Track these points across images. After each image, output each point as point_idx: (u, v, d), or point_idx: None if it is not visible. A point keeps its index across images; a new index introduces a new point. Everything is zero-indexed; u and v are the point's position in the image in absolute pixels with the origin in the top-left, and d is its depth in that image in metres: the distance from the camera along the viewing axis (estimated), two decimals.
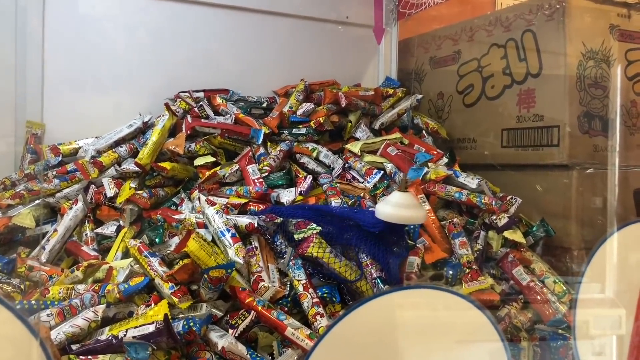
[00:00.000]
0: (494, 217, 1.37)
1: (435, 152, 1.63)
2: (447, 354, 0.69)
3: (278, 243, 1.17)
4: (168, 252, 1.17)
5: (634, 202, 1.45)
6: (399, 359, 0.66)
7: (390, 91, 1.86)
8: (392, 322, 0.67)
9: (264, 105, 1.76)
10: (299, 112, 1.67)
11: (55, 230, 1.33)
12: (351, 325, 0.63)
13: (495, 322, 0.73)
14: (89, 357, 0.91)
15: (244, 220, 1.14)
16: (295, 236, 1.14)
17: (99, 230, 1.37)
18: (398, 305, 0.65)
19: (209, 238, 1.15)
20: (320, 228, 1.14)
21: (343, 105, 1.69)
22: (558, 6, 1.45)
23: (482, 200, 1.38)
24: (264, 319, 1.02)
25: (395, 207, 1.04)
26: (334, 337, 0.64)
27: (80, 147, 1.53)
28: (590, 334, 1.01)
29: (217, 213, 1.15)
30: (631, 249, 1.06)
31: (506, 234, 1.36)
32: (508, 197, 1.43)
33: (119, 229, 1.37)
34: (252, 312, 1.03)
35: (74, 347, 0.96)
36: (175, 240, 1.21)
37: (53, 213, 1.43)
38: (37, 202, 1.41)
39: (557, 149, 1.47)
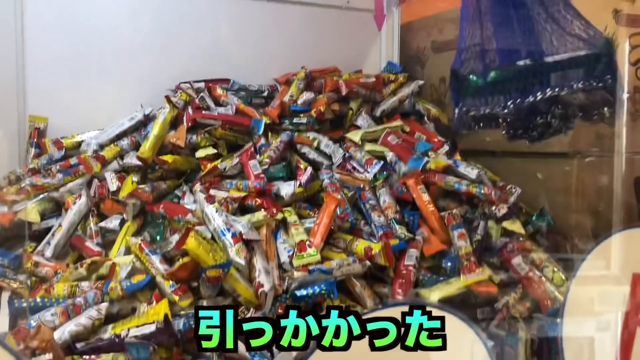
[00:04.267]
0: (493, 207, 1.38)
1: (436, 140, 1.63)
2: None
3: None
4: (169, 248, 1.19)
5: (634, 190, 1.45)
6: None
7: (392, 77, 1.85)
8: None
9: (265, 94, 1.76)
10: (300, 101, 1.67)
11: (60, 225, 1.36)
12: None
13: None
14: (92, 356, 0.94)
15: (237, 228, 1.15)
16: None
17: (102, 224, 1.39)
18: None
19: (209, 235, 1.17)
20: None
21: (344, 94, 1.69)
22: None
23: (482, 191, 1.38)
24: None
25: None
26: None
27: (83, 141, 1.55)
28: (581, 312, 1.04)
29: (216, 212, 1.17)
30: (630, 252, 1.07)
31: (505, 224, 1.37)
32: (508, 187, 1.43)
33: (122, 222, 1.39)
34: (252, 309, 1.05)
35: (78, 345, 0.99)
36: (176, 237, 1.22)
37: (58, 207, 1.45)
38: (41, 196, 1.43)
39: (558, 137, 1.46)
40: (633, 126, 1.50)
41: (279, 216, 1.25)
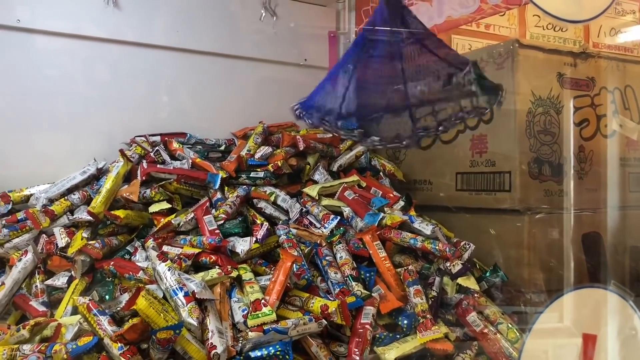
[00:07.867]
0: (448, 263, 1.39)
1: (391, 195, 1.65)
2: None
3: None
4: (118, 309, 1.15)
5: (582, 246, 1.49)
6: None
7: None
8: None
9: (222, 148, 1.76)
10: (257, 155, 1.68)
11: (3, 284, 1.30)
12: None
13: None
14: None
15: (190, 287, 1.12)
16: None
17: (49, 282, 1.34)
18: None
19: (161, 294, 1.13)
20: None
21: (301, 149, 1.70)
22: (507, 56, 1.50)
23: (437, 247, 1.40)
24: None
25: None
26: None
27: (31, 195, 1.50)
28: None
29: (169, 270, 1.14)
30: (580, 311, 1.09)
31: (460, 280, 1.37)
32: (462, 243, 1.45)
33: (70, 279, 1.34)
34: None
35: None
36: (126, 296, 1.19)
37: (1, 264, 1.39)
38: None
39: (509, 194, 1.50)
40: (579, 184, 1.56)
41: (234, 274, 1.23)
